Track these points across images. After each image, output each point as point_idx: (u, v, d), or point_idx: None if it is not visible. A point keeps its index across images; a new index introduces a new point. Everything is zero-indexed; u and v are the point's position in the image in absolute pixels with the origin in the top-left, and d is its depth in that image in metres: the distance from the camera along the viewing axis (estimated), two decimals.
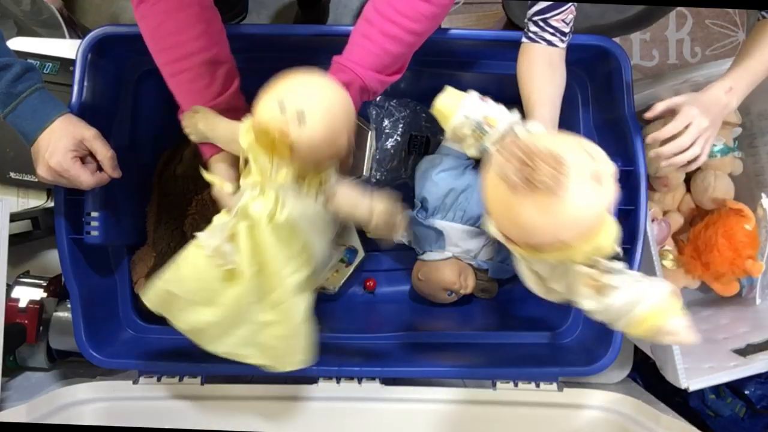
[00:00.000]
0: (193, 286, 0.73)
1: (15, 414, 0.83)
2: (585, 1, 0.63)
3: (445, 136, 1.06)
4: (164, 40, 0.74)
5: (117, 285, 0.98)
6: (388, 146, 1.12)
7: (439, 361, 0.96)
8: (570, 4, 0.78)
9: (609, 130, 0.93)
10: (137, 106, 0.98)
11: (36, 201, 1.08)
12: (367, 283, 1.18)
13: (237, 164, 0.73)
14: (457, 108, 0.72)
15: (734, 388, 1.10)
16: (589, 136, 0.97)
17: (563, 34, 0.79)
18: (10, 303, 0.96)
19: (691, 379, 0.89)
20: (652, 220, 1.05)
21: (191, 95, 0.78)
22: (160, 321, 1.00)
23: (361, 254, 1.14)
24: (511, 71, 0.84)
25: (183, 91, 0.78)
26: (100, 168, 0.81)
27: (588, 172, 0.54)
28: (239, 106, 0.82)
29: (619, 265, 0.63)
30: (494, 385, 0.92)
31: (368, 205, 0.71)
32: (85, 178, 0.78)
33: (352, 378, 0.91)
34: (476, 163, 1.17)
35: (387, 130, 1.12)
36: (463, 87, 0.75)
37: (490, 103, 0.73)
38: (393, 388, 0.91)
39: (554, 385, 0.92)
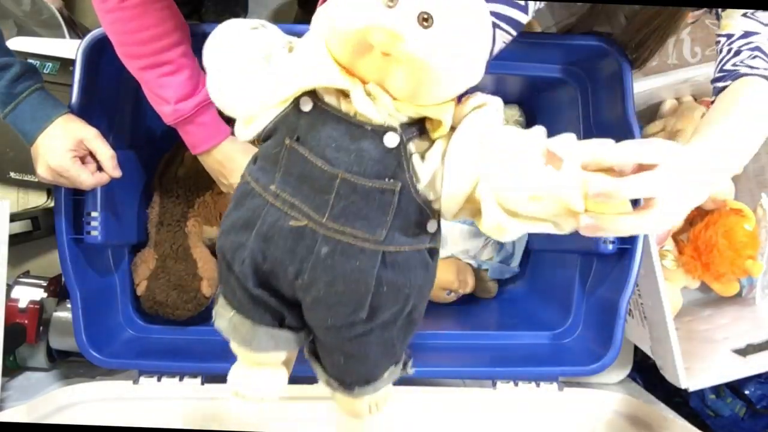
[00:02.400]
0: None
1: (15, 414, 0.83)
2: (592, 2, 0.62)
3: None
4: (143, 32, 0.73)
5: (117, 285, 0.98)
6: None
7: (439, 361, 0.95)
8: None
9: (609, 130, 0.93)
10: (137, 106, 0.97)
11: (36, 201, 1.08)
12: None
13: None
14: None
15: (734, 388, 1.10)
16: (589, 136, 0.97)
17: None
18: (10, 303, 0.96)
19: (691, 379, 0.89)
20: None
21: (175, 87, 0.77)
22: (161, 321, 1.00)
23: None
24: (511, 71, 0.84)
25: (164, 84, 0.77)
26: (100, 168, 0.81)
27: None
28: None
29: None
30: (494, 385, 0.92)
31: None
32: (85, 177, 0.78)
33: None
34: None
35: None
36: None
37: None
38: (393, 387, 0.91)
39: (554, 385, 0.92)
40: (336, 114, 0.44)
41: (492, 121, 0.45)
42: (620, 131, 0.90)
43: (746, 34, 0.68)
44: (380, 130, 0.43)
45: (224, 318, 0.53)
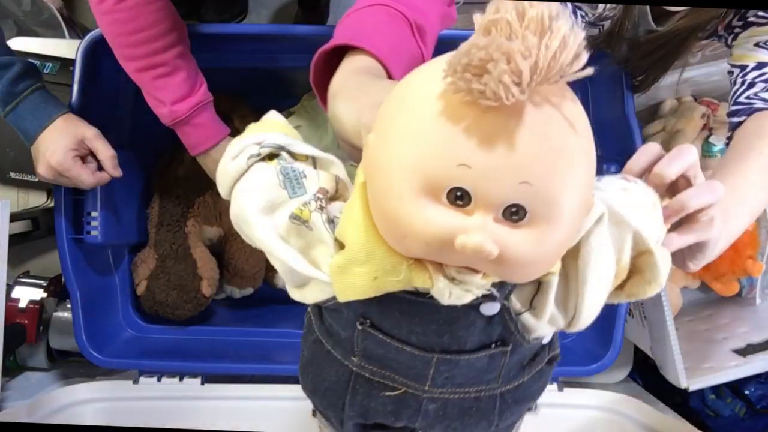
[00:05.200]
0: None
1: (15, 414, 0.83)
2: (589, 1, 0.62)
3: None
4: (138, 34, 0.73)
5: (117, 285, 0.98)
6: None
7: None
8: None
9: (609, 130, 0.93)
10: (137, 106, 0.97)
11: (36, 201, 1.08)
12: None
13: None
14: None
15: (734, 388, 1.09)
16: None
17: None
18: (10, 303, 0.96)
19: (691, 379, 0.89)
20: None
21: (171, 88, 0.77)
22: (161, 321, 1.00)
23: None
24: None
25: (160, 86, 0.77)
26: (100, 167, 0.81)
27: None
28: (211, 100, 0.82)
29: None
30: None
31: None
32: (85, 177, 0.78)
33: None
34: None
35: None
36: None
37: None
38: None
39: (554, 385, 0.92)
40: (411, 297, 0.35)
41: (605, 241, 0.36)
42: (620, 131, 0.90)
43: (760, 65, 0.68)
44: (473, 303, 0.34)
45: None
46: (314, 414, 0.51)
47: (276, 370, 0.92)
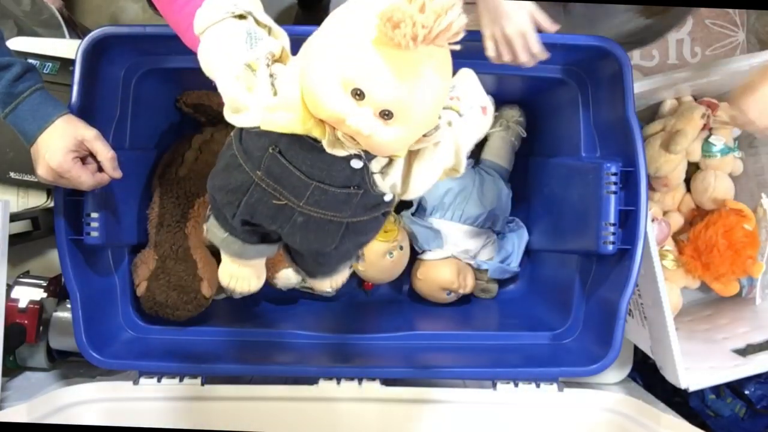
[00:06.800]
0: None
1: (15, 414, 0.83)
2: (586, 1, 0.63)
3: None
4: None
5: (117, 285, 0.98)
6: None
7: (439, 361, 0.96)
8: None
9: (609, 130, 0.93)
10: (137, 106, 0.97)
11: (36, 201, 1.08)
12: (366, 284, 1.18)
13: None
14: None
15: (734, 388, 1.10)
16: (589, 136, 0.97)
17: None
18: (10, 303, 0.96)
19: (691, 379, 0.89)
20: (652, 220, 1.05)
21: None
22: (161, 321, 1.00)
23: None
24: (511, 71, 0.84)
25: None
26: (100, 168, 0.81)
27: None
28: None
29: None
30: (494, 386, 0.92)
31: None
32: (85, 178, 0.78)
33: (352, 378, 0.91)
34: (475, 163, 1.17)
35: None
36: None
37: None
38: (393, 388, 0.91)
39: (554, 386, 0.92)
40: (311, 142, 0.53)
41: (447, 154, 0.59)
42: (620, 131, 0.90)
43: None
44: (347, 157, 0.53)
45: (217, 236, 0.66)
46: (206, 220, 0.67)
47: (276, 370, 0.92)
